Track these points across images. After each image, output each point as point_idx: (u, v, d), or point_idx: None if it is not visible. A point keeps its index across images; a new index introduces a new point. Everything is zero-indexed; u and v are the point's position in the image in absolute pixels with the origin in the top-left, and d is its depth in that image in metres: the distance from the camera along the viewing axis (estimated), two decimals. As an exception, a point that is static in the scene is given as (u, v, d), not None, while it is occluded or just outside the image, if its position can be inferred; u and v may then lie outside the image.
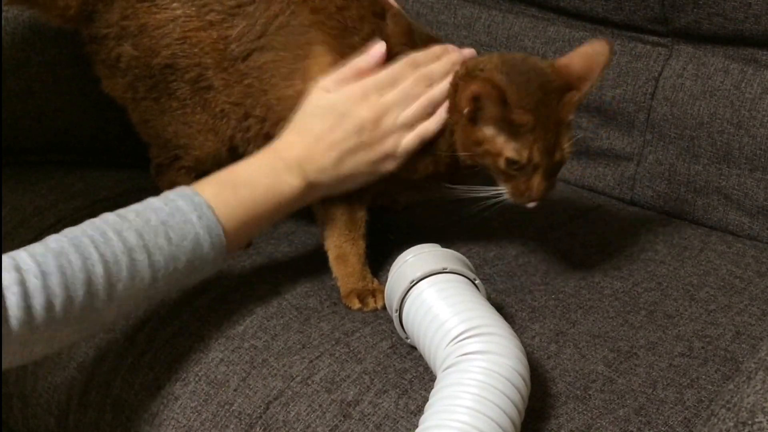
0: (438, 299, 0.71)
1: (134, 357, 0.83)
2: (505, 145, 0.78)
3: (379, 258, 0.89)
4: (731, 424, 0.58)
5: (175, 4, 0.87)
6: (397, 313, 0.75)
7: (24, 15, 1.08)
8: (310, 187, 0.80)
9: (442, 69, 0.84)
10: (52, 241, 0.65)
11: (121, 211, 0.70)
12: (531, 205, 0.81)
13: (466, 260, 0.78)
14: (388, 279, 0.78)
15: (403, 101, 0.82)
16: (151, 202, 0.72)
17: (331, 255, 0.87)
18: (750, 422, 0.57)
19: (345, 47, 0.84)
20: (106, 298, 0.65)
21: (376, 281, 0.86)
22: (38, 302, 0.60)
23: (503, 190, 0.82)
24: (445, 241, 0.90)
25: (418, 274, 0.73)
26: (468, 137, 0.80)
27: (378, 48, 0.83)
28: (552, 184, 0.81)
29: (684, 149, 1.09)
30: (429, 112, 0.83)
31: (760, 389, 0.60)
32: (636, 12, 1.10)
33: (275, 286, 0.87)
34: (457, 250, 0.79)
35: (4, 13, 1.06)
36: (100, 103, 0.99)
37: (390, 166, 0.83)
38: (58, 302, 0.61)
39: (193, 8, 0.87)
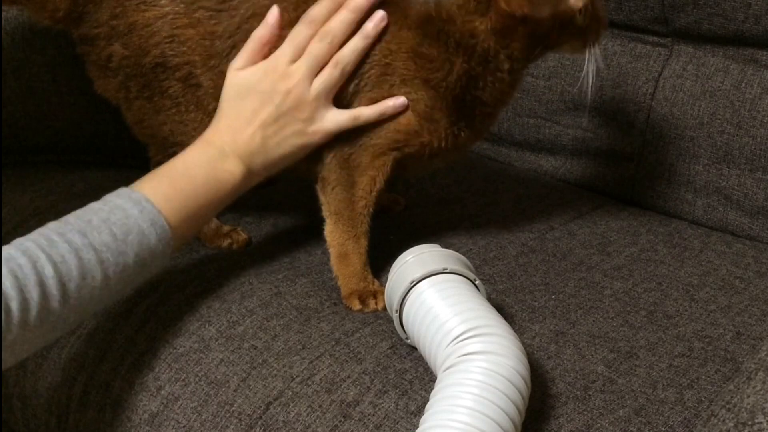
0: (438, 299, 0.71)
1: (134, 357, 0.83)
2: (574, 3, 0.81)
3: (379, 258, 0.89)
4: (731, 424, 0.58)
5: (163, 2, 0.87)
6: (398, 314, 0.75)
7: (24, 15, 1.08)
8: (248, 169, 0.81)
9: (341, 24, 0.81)
10: None
11: (63, 217, 0.70)
12: (606, 30, 0.86)
13: (466, 260, 0.78)
14: (388, 279, 0.78)
15: (312, 66, 0.81)
16: (91, 205, 0.72)
17: (333, 253, 0.87)
18: (750, 423, 0.57)
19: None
20: (61, 298, 0.65)
21: (377, 282, 0.86)
22: None
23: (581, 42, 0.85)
24: (445, 241, 0.91)
25: (418, 275, 0.73)
26: (525, 42, 0.82)
27: (272, 13, 0.82)
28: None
29: (684, 149, 1.09)
30: (344, 74, 0.82)
31: (760, 389, 0.60)
32: (636, 12, 1.11)
33: (275, 286, 0.87)
34: (457, 250, 0.79)
35: (4, 13, 1.06)
36: (100, 103, 0.98)
37: (319, 138, 0.83)
38: (14, 305, 0.61)
39: (182, 5, 0.86)
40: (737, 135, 1.04)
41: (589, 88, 0.87)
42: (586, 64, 0.85)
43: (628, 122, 1.13)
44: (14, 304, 0.61)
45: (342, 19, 0.81)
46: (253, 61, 0.82)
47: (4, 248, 0.65)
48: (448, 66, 0.82)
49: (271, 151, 0.82)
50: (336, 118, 0.82)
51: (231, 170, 0.79)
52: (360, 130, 0.85)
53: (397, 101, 0.83)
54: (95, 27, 0.89)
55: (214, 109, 0.88)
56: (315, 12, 0.82)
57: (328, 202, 0.87)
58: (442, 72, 0.82)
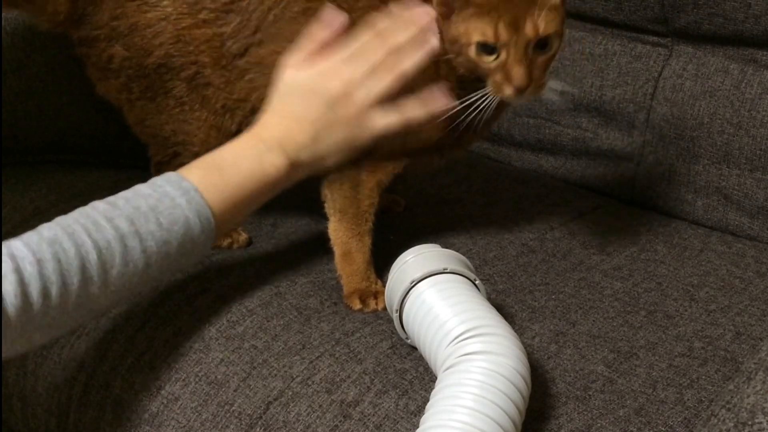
0: (438, 299, 0.71)
1: (134, 357, 0.83)
2: (474, 30, 0.75)
3: (379, 258, 0.89)
4: (731, 424, 0.58)
5: (165, 2, 0.86)
6: (398, 314, 0.75)
7: (24, 15, 1.08)
8: (293, 165, 0.80)
9: (410, 38, 0.80)
10: (46, 229, 0.65)
11: (111, 198, 0.71)
12: (511, 93, 0.76)
13: (466, 260, 0.78)
14: (388, 279, 0.78)
15: (373, 75, 0.80)
16: (140, 188, 0.73)
17: (337, 252, 0.87)
18: (750, 422, 0.57)
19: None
20: (101, 284, 0.66)
21: (379, 282, 0.86)
22: (35, 289, 0.61)
23: (487, 90, 0.77)
24: (445, 241, 0.91)
25: (418, 275, 0.73)
26: (447, 38, 0.78)
27: (332, 15, 0.80)
28: (536, 74, 0.76)
29: (684, 149, 1.09)
30: (402, 86, 0.80)
31: (760, 389, 0.60)
32: (636, 12, 1.11)
33: (275, 286, 0.87)
34: (457, 250, 0.79)
35: (4, 13, 1.06)
36: (100, 103, 0.99)
37: (365, 138, 0.81)
38: (54, 289, 0.62)
39: (185, 6, 0.86)
40: (737, 135, 1.04)
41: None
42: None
43: (628, 122, 1.13)
44: (54, 289, 0.62)
45: (409, 35, 0.80)
46: (308, 61, 0.81)
47: (50, 226, 0.66)
48: (449, 68, 0.82)
49: (319, 151, 0.81)
50: (386, 121, 0.80)
51: (277, 165, 0.78)
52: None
53: (445, 101, 0.79)
54: (95, 29, 0.89)
55: (223, 107, 0.88)
56: (385, 28, 0.80)
57: (334, 199, 0.87)
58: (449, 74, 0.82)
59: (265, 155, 0.78)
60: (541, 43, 0.76)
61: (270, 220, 1.01)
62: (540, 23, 0.74)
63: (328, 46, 0.81)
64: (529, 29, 0.74)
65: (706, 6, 1.03)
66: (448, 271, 0.74)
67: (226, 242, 0.95)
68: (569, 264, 0.94)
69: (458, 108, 0.80)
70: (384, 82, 0.80)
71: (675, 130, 1.09)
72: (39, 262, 0.62)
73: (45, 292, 0.62)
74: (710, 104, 1.06)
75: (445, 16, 0.78)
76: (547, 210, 1.08)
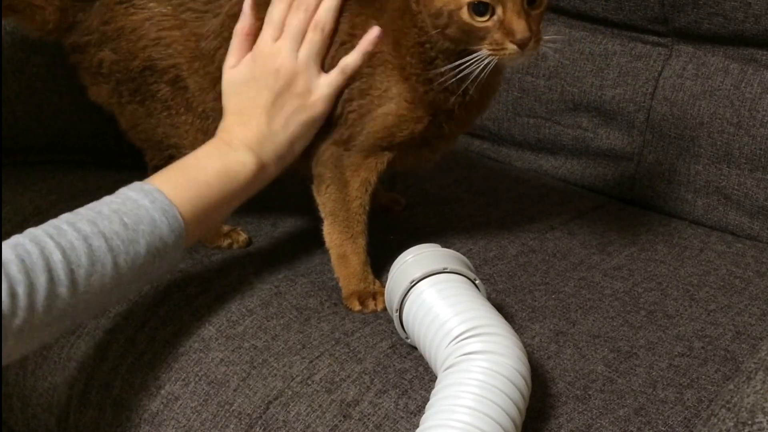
0: (438, 299, 0.71)
1: (134, 357, 0.83)
2: None
3: (379, 258, 0.89)
4: (731, 424, 0.58)
5: (151, 4, 0.87)
6: (398, 313, 0.75)
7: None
8: (260, 159, 0.81)
9: None
10: (6, 241, 0.65)
11: (75, 210, 0.71)
12: (514, 50, 0.73)
13: (466, 260, 0.78)
14: (388, 279, 0.78)
15: (294, 38, 0.83)
16: (104, 198, 0.73)
17: (332, 254, 0.87)
18: (750, 422, 0.57)
19: None
20: (70, 284, 0.64)
21: (377, 282, 0.86)
22: (3, 290, 0.60)
23: (481, 54, 0.74)
24: (445, 241, 0.90)
25: (418, 274, 0.73)
26: (430, 12, 0.76)
27: (246, 1, 0.84)
28: (534, 28, 0.73)
29: (684, 149, 1.09)
30: (325, 36, 0.83)
31: (760, 389, 0.60)
32: (636, 12, 1.10)
33: (275, 286, 0.87)
34: (457, 250, 0.79)
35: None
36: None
37: (320, 106, 0.83)
38: (20, 289, 0.61)
39: (170, 7, 0.87)
40: (737, 135, 1.04)
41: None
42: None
43: (628, 122, 1.13)
44: (20, 288, 0.61)
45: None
46: (242, 56, 0.84)
47: (13, 237, 0.65)
48: (423, 58, 0.80)
49: (279, 135, 0.82)
50: (328, 80, 0.83)
51: (242, 161, 0.80)
52: (351, 126, 0.84)
53: (372, 34, 0.82)
54: (86, 35, 0.90)
55: (203, 111, 0.89)
56: None
57: (323, 202, 0.87)
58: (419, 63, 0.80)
59: (230, 154, 0.80)
60: None
61: (270, 220, 1.01)
62: None
63: (252, 35, 0.84)
64: None
65: (706, 6, 1.03)
66: (448, 270, 0.74)
67: (226, 242, 0.95)
68: (569, 264, 0.94)
69: (452, 80, 0.78)
70: (309, 42, 0.82)
71: (675, 129, 1.09)
72: (3, 264, 0.61)
73: (12, 292, 0.60)
74: (710, 104, 1.06)
75: None
76: (547, 210, 1.08)
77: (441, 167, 0.95)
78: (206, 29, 0.86)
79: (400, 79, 0.82)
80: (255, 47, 0.83)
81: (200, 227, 0.78)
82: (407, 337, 0.76)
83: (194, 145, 0.90)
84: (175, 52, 0.87)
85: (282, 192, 0.97)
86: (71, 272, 0.65)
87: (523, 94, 1.22)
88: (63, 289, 0.64)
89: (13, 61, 1.07)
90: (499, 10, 0.72)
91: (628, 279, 0.91)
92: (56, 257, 0.64)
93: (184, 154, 0.91)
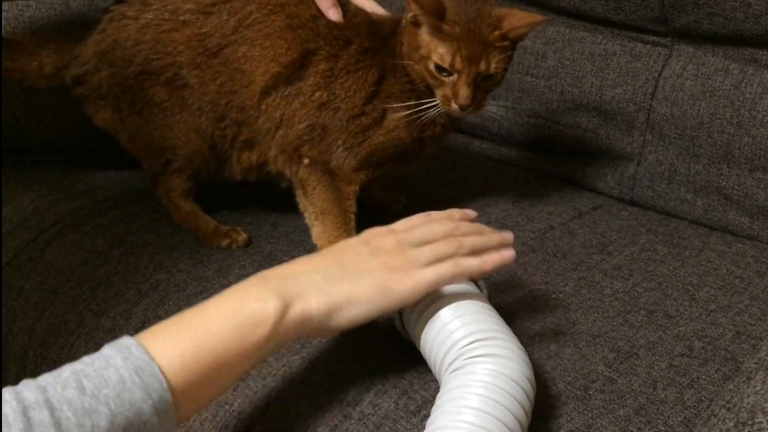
0: (441, 301, 0.71)
1: (134, 357, 0.83)
2: (435, 50, 0.84)
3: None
4: (731, 424, 0.58)
5: (146, 14, 0.91)
6: (399, 313, 0.75)
7: (24, 15, 1.08)
8: (287, 309, 0.61)
9: (472, 240, 0.72)
10: None
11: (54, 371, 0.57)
12: (455, 108, 0.85)
13: None
14: None
15: (434, 257, 0.69)
16: (83, 357, 0.57)
17: None
18: (750, 422, 0.57)
19: (304, 42, 0.89)
20: None
21: None
22: None
23: (436, 100, 0.87)
24: (445, 241, 0.90)
25: None
26: (410, 42, 0.86)
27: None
28: (479, 97, 0.86)
29: (684, 149, 1.09)
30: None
31: (760, 389, 0.60)
32: (636, 12, 1.10)
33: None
34: (457, 250, 0.78)
35: (4, 13, 1.06)
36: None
37: (400, 283, 0.67)
38: None
39: (167, 13, 0.90)
40: (737, 135, 1.04)
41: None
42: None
43: (628, 122, 1.13)
44: None
45: (475, 240, 0.72)
46: None
47: None
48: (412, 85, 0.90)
49: (336, 291, 0.64)
50: (435, 271, 0.69)
51: (266, 306, 0.61)
52: (328, 134, 0.90)
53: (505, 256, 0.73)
54: (83, 64, 0.94)
55: (199, 108, 0.92)
56: (455, 214, 0.76)
57: (312, 203, 0.90)
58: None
59: (249, 294, 0.62)
60: (488, 76, 0.86)
61: (270, 220, 1.01)
62: (492, 63, 0.84)
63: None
64: (482, 66, 0.84)
65: (706, 6, 1.03)
66: None
67: (225, 242, 0.95)
68: (569, 264, 0.94)
69: (413, 111, 0.88)
70: (447, 270, 0.68)
71: (675, 129, 1.09)
72: None
73: None
74: (710, 104, 1.06)
75: (416, 24, 0.85)
76: (547, 210, 1.08)
77: (441, 167, 0.96)
78: (210, 28, 0.89)
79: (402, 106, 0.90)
80: (400, 231, 0.71)
81: (201, 392, 0.59)
82: (407, 335, 0.76)
83: (187, 145, 0.93)
84: (175, 51, 0.90)
85: (282, 192, 0.97)
86: None
87: (523, 94, 1.22)
88: None
89: (13, 61, 1.07)
90: (455, 76, 0.85)
91: (628, 279, 0.91)
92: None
93: (180, 156, 0.95)
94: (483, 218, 1.04)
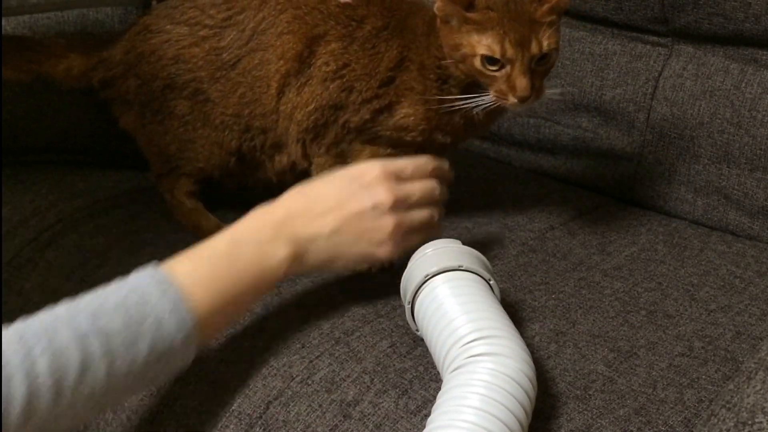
0: (450, 297, 0.71)
1: (134, 357, 0.83)
2: (479, 42, 0.79)
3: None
4: (731, 424, 0.58)
5: (168, 27, 0.92)
6: (410, 305, 0.75)
7: (24, 15, 1.08)
8: (297, 258, 0.71)
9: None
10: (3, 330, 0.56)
11: (78, 297, 0.62)
12: (515, 102, 0.80)
13: (485, 259, 0.78)
14: (407, 268, 0.78)
15: (422, 200, 0.78)
16: (111, 283, 0.64)
17: None
18: (750, 422, 0.57)
19: (312, 29, 0.88)
20: (52, 398, 0.55)
21: None
22: None
23: (486, 95, 0.82)
24: (445, 241, 0.90)
25: (434, 269, 0.73)
26: (448, 43, 0.82)
27: None
28: (537, 84, 0.81)
29: (684, 149, 1.09)
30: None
31: (760, 389, 0.60)
32: (636, 12, 1.11)
33: (275, 286, 0.87)
34: (457, 250, 0.78)
35: (4, 12, 1.06)
36: (100, 103, 0.99)
37: (384, 254, 0.76)
38: None
39: (186, 27, 0.91)
40: (737, 135, 1.04)
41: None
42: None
43: (628, 122, 1.13)
44: None
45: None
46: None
47: (10, 327, 0.57)
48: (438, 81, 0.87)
49: (333, 250, 0.74)
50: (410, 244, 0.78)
51: (278, 254, 0.70)
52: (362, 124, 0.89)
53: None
54: (111, 68, 0.95)
55: (222, 123, 0.92)
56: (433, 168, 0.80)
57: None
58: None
59: (268, 245, 0.70)
60: (543, 57, 0.80)
61: (270, 220, 1.01)
62: (543, 41, 0.78)
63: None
64: (534, 47, 0.78)
65: (706, 6, 1.03)
66: (463, 268, 0.74)
67: (226, 242, 0.96)
68: (569, 264, 0.94)
69: (460, 106, 0.84)
70: (422, 215, 0.78)
71: (675, 129, 1.09)
72: None
73: None
74: (710, 104, 1.06)
75: (444, 21, 0.82)
76: (547, 210, 1.08)
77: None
78: (227, 42, 0.90)
79: (420, 101, 0.87)
80: (383, 168, 0.75)
81: (216, 326, 0.69)
82: (417, 329, 0.76)
83: (208, 159, 0.95)
84: (195, 67, 0.91)
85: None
86: (56, 382, 0.55)
87: (523, 94, 1.22)
88: (43, 403, 0.55)
89: (13, 61, 1.07)
90: (508, 67, 0.79)
91: (628, 279, 0.91)
92: (41, 367, 0.55)
93: (194, 167, 0.96)
94: (483, 218, 1.04)
